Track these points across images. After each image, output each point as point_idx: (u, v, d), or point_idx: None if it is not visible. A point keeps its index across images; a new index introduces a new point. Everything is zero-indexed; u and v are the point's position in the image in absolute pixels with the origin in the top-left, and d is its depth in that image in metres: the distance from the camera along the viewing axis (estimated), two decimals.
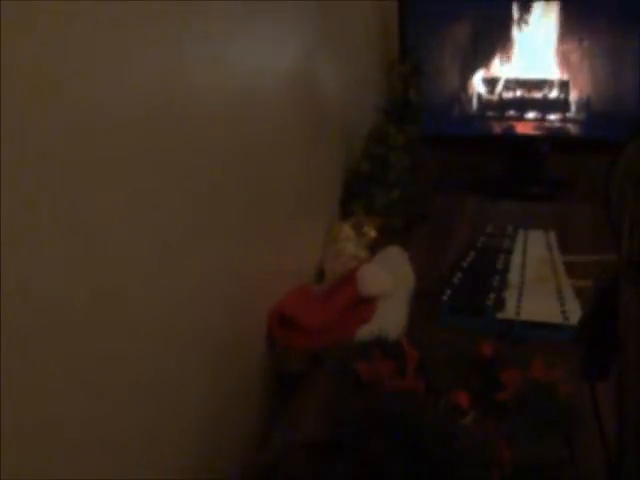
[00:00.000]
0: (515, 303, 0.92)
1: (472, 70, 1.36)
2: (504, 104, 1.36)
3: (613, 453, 0.44)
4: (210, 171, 0.72)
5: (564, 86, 1.31)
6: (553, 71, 1.31)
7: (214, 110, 0.72)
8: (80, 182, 0.51)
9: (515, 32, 1.30)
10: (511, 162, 1.40)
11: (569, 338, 0.61)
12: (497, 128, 1.38)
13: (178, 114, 0.65)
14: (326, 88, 1.12)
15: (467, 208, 1.33)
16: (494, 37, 1.32)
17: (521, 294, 0.95)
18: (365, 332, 0.83)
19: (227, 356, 0.78)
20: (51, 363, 0.49)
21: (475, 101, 1.38)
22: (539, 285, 0.98)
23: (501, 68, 1.34)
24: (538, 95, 1.33)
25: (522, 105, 1.35)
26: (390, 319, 0.89)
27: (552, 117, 1.34)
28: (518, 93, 1.35)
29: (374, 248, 1.10)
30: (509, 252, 1.07)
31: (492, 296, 0.92)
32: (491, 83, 1.36)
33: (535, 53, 1.31)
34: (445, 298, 0.93)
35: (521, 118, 1.36)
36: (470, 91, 1.37)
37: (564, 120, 1.33)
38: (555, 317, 0.88)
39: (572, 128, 1.33)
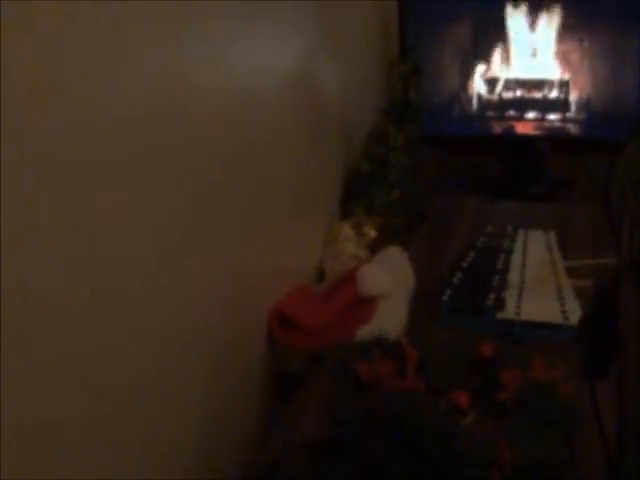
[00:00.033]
0: (515, 303, 0.92)
1: (472, 70, 1.36)
2: (504, 104, 1.36)
3: (613, 453, 0.44)
4: (210, 171, 0.72)
5: (564, 86, 1.31)
6: (553, 71, 1.31)
7: (214, 110, 0.72)
8: (80, 182, 0.51)
9: (515, 32, 1.30)
10: (511, 162, 1.40)
11: (569, 338, 0.61)
12: (497, 128, 1.38)
13: (178, 114, 0.65)
14: (326, 88, 1.12)
15: (467, 208, 1.33)
16: (494, 37, 1.32)
17: (521, 294, 0.95)
18: (365, 332, 0.83)
19: (227, 356, 0.78)
20: (51, 363, 0.49)
21: (475, 101, 1.38)
22: (539, 285, 0.97)
23: (501, 68, 1.34)
24: (538, 95, 1.33)
25: (522, 105, 1.35)
26: (390, 319, 0.89)
27: (552, 117, 1.34)
28: (518, 93, 1.35)
29: (374, 248, 1.10)
30: (509, 252, 1.07)
31: (492, 296, 0.92)
32: (491, 83, 1.36)
33: (535, 53, 1.31)
34: (445, 298, 0.93)
35: (521, 118, 1.36)
36: (470, 91, 1.37)
37: (564, 120, 1.33)
38: (555, 317, 0.88)
39: (572, 128, 1.33)
